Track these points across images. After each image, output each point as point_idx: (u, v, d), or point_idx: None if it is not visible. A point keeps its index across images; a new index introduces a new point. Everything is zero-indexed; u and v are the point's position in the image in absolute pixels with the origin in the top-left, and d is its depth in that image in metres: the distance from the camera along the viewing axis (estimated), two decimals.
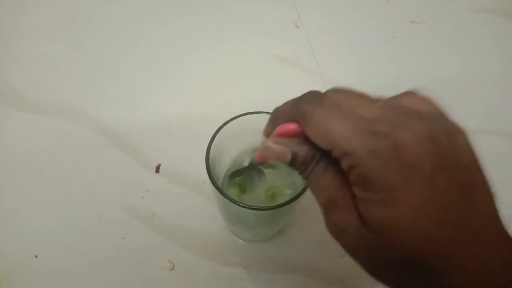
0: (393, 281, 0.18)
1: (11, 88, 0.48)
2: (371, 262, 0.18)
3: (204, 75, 0.50)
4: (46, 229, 0.38)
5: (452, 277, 0.17)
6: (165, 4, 0.57)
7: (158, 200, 0.40)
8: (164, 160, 0.42)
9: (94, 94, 0.48)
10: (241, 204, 0.27)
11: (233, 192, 0.33)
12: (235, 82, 0.49)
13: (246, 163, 0.34)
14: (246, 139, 0.33)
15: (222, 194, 0.27)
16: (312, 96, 0.20)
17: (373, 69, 0.51)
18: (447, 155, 0.16)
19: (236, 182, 0.32)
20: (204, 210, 0.39)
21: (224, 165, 0.35)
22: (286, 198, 0.27)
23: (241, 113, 0.30)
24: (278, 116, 0.22)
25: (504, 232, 0.17)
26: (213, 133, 0.30)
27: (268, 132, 0.22)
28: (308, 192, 0.26)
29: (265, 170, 0.31)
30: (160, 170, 0.42)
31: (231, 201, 0.27)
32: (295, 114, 0.20)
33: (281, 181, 0.34)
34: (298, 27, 0.55)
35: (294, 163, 0.20)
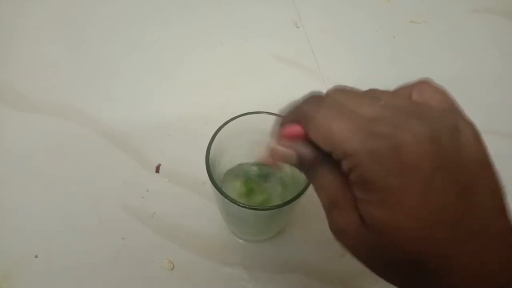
0: (393, 281, 0.18)
1: (11, 88, 0.48)
2: (372, 262, 0.18)
3: (204, 75, 0.50)
4: (46, 229, 0.38)
5: (452, 277, 0.17)
6: (165, 4, 0.57)
7: (158, 200, 0.40)
8: (164, 160, 0.42)
9: (94, 94, 0.48)
10: (241, 204, 0.27)
11: (236, 186, 0.33)
12: (235, 82, 0.49)
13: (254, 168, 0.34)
14: (246, 139, 0.33)
15: (222, 194, 0.27)
16: (313, 97, 0.20)
17: (373, 69, 0.51)
18: (448, 155, 0.16)
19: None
20: (204, 210, 0.39)
21: (224, 165, 0.35)
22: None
23: (241, 113, 0.31)
24: (283, 118, 0.22)
25: (504, 232, 0.17)
26: (213, 133, 0.30)
27: (274, 135, 0.23)
28: (308, 192, 0.26)
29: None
30: (160, 170, 0.42)
31: (231, 201, 0.27)
32: (298, 115, 0.20)
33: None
34: (298, 27, 0.55)
35: (299, 164, 0.20)
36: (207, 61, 0.51)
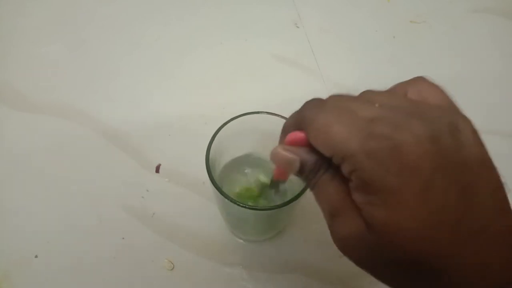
0: (393, 281, 0.18)
1: (11, 88, 0.48)
2: (371, 262, 0.18)
3: (204, 75, 0.50)
4: (46, 229, 0.38)
5: (452, 277, 0.17)
6: (165, 4, 0.57)
7: (158, 200, 0.40)
8: (164, 160, 0.42)
9: (94, 94, 0.48)
10: (241, 204, 0.27)
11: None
12: (235, 82, 0.49)
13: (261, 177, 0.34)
14: (246, 139, 0.33)
15: (222, 194, 0.27)
16: (313, 103, 0.20)
17: (373, 69, 0.51)
18: (448, 155, 0.16)
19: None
20: (204, 210, 0.39)
21: (224, 165, 0.35)
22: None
23: (241, 113, 0.30)
24: (287, 124, 0.22)
25: (504, 232, 0.17)
26: (213, 133, 0.30)
27: (280, 141, 0.23)
28: (308, 192, 0.26)
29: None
30: (160, 170, 0.42)
31: (231, 201, 0.27)
32: (300, 121, 0.20)
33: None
34: (298, 27, 0.55)
35: (302, 171, 0.20)
36: (207, 61, 0.51)
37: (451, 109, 0.19)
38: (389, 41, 0.54)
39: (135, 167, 0.42)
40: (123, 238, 0.38)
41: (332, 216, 0.19)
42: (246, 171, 0.35)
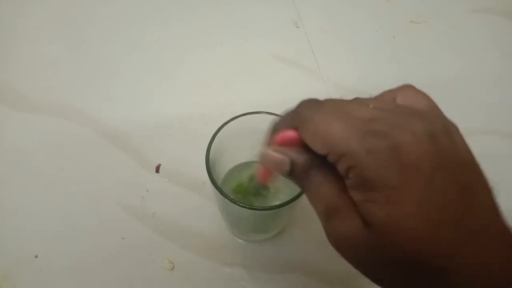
0: (393, 281, 0.18)
1: (11, 88, 0.48)
2: (371, 263, 0.18)
3: (204, 75, 0.50)
4: (46, 229, 0.38)
5: (452, 277, 0.17)
6: (165, 4, 0.57)
7: (158, 200, 0.40)
8: (164, 160, 0.42)
9: (94, 94, 0.48)
10: (241, 204, 0.27)
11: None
12: (235, 82, 0.49)
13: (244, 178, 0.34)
14: (246, 139, 0.33)
15: (222, 194, 0.27)
16: (309, 102, 0.20)
17: (373, 69, 0.51)
18: (447, 155, 0.16)
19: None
20: (204, 210, 0.39)
21: (224, 165, 0.35)
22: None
23: (241, 113, 0.30)
24: (277, 124, 0.22)
25: (504, 232, 0.17)
26: (213, 133, 0.30)
27: (268, 141, 0.22)
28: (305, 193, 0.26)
29: None
30: (160, 170, 0.42)
31: (231, 201, 0.27)
32: (293, 120, 0.20)
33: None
34: (298, 27, 0.55)
35: (292, 172, 0.20)
36: (207, 61, 0.51)
37: (440, 114, 0.19)
38: (389, 41, 0.54)
39: (135, 167, 0.42)
40: (123, 238, 0.38)
41: (327, 216, 0.19)
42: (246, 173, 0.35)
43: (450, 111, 0.20)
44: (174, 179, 0.41)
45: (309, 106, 0.20)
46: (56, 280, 0.36)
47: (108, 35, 0.53)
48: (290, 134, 0.20)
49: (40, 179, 0.41)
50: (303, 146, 0.19)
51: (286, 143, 0.20)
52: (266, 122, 0.30)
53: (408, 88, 0.20)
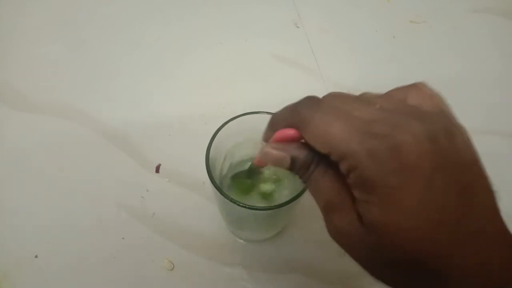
0: (393, 281, 0.18)
1: (11, 88, 0.48)
2: (371, 262, 0.18)
3: (204, 75, 0.50)
4: (46, 229, 0.38)
5: (452, 277, 0.17)
6: (165, 4, 0.57)
7: (158, 200, 0.40)
8: (164, 160, 0.42)
9: (94, 94, 0.48)
10: (241, 204, 0.27)
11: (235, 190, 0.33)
12: (235, 82, 0.49)
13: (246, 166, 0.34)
14: (246, 139, 0.33)
15: (222, 194, 0.27)
16: (309, 101, 0.20)
17: (373, 69, 0.51)
18: (447, 155, 0.16)
19: (238, 182, 0.32)
20: (204, 210, 0.39)
21: (224, 165, 0.35)
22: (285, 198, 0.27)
23: (241, 113, 0.30)
24: (276, 121, 0.22)
25: (504, 232, 0.17)
26: (213, 133, 0.30)
27: (267, 138, 0.22)
28: (308, 192, 0.26)
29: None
30: (160, 170, 0.42)
31: (231, 201, 0.27)
32: (293, 119, 0.20)
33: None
34: (298, 27, 0.55)
35: (293, 167, 0.20)
36: (207, 61, 0.51)
37: (446, 115, 0.19)
38: (389, 41, 0.54)
39: (135, 167, 0.42)
40: (123, 238, 0.38)
41: (326, 209, 0.19)
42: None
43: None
44: (174, 179, 0.41)
45: (309, 105, 0.20)
46: (56, 280, 0.36)
47: (108, 35, 0.53)
48: (290, 132, 0.20)
49: (40, 179, 0.41)
50: (304, 142, 0.20)
51: (286, 141, 0.20)
52: (266, 122, 0.30)
53: (419, 86, 0.20)
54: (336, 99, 0.19)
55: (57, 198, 0.40)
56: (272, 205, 0.27)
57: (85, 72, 0.50)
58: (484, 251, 0.17)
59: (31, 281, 0.36)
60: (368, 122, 0.17)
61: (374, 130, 0.17)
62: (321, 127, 0.18)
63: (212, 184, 0.28)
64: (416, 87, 0.20)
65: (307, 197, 0.26)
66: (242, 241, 0.38)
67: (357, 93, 0.21)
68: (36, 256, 0.37)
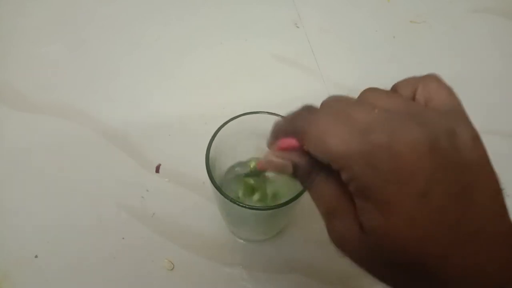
0: (393, 281, 0.18)
1: (11, 88, 0.48)
2: (372, 264, 0.18)
3: (204, 75, 0.50)
4: (46, 229, 0.38)
5: (452, 277, 0.17)
6: (165, 4, 0.57)
7: (158, 200, 0.40)
8: (164, 160, 0.42)
9: (94, 94, 0.48)
10: (241, 204, 0.27)
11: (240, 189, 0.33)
12: (235, 82, 0.49)
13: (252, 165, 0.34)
14: (246, 139, 0.33)
15: (222, 194, 0.27)
16: (305, 111, 0.20)
17: (373, 69, 0.51)
18: (447, 156, 0.16)
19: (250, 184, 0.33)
20: (204, 210, 0.39)
21: (224, 165, 0.35)
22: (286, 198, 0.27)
23: (241, 113, 0.30)
24: (277, 130, 0.22)
25: (504, 232, 0.17)
26: (213, 133, 0.30)
27: (270, 145, 0.23)
28: (308, 192, 0.26)
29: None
30: (160, 170, 0.42)
31: (231, 201, 0.27)
32: (293, 129, 0.20)
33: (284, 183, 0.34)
34: (298, 27, 0.55)
35: (295, 174, 0.21)
36: (207, 61, 0.51)
37: (454, 112, 0.18)
38: (389, 41, 0.54)
39: (135, 167, 0.42)
40: (123, 238, 0.38)
41: (328, 216, 0.19)
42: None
43: None
44: (174, 179, 0.41)
45: (305, 115, 0.20)
46: (56, 280, 0.36)
47: (108, 35, 0.53)
48: (291, 142, 0.20)
49: (40, 179, 0.41)
50: (305, 150, 0.20)
51: (288, 149, 0.21)
52: (266, 122, 0.30)
53: (431, 80, 0.19)
54: (333, 105, 0.19)
55: (57, 198, 0.40)
56: (272, 205, 0.27)
57: (85, 72, 0.50)
58: (484, 251, 0.17)
59: (31, 281, 0.36)
60: (365, 128, 0.17)
61: (372, 138, 0.17)
62: (319, 138, 0.18)
63: (212, 184, 0.28)
64: (425, 80, 0.19)
65: (307, 197, 0.26)
66: (242, 241, 0.38)
67: (357, 93, 0.21)
68: (36, 256, 0.37)
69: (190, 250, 0.37)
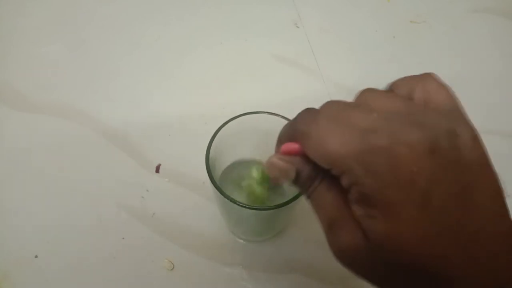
0: (396, 286, 0.18)
1: (11, 88, 0.48)
2: (374, 271, 0.18)
3: (204, 75, 0.50)
4: (46, 229, 0.38)
5: (452, 277, 0.17)
6: (165, 4, 0.57)
7: (158, 200, 0.40)
8: (164, 160, 0.42)
9: (94, 94, 0.48)
10: (241, 204, 0.27)
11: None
12: (235, 82, 0.49)
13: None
14: (246, 139, 0.33)
15: (222, 194, 0.27)
16: (307, 114, 0.20)
17: (373, 69, 0.51)
18: (447, 157, 0.16)
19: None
20: (204, 210, 0.39)
21: (224, 165, 0.35)
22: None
23: (241, 113, 0.31)
24: (281, 135, 0.22)
25: (504, 232, 0.17)
26: (213, 133, 0.30)
27: (276, 149, 0.23)
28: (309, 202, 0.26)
29: None
30: (160, 170, 0.42)
31: (231, 201, 0.27)
32: (293, 134, 0.20)
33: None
34: (298, 27, 0.55)
35: (297, 181, 0.20)
36: (207, 61, 0.51)
37: (453, 113, 0.18)
38: (389, 41, 0.54)
39: (135, 167, 0.42)
40: (123, 238, 0.38)
41: (329, 227, 0.19)
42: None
43: None
44: (174, 179, 0.41)
45: (306, 118, 0.19)
46: (56, 280, 0.36)
47: (108, 35, 0.53)
48: (294, 146, 0.20)
49: (40, 179, 0.41)
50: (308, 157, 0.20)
51: (291, 153, 0.20)
52: (266, 122, 0.30)
53: (429, 80, 0.19)
54: (333, 109, 0.19)
55: (57, 198, 0.40)
56: (272, 205, 0.27)
57: (85, 72, 0.50)
58: (484, 251, 0.17)
59: (31, 281, 0.36)
60: (365, 133, 0.17)
61: (371, 142, 0.17)
62: (319, 143, 0.18)
63: (212, 184, 0.28)
64: (424, 80, 0.19)
65: None
66: (242, 241, 0.38)
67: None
68: (36, 256, 0.37)
69: (190, 250, 0.37)
